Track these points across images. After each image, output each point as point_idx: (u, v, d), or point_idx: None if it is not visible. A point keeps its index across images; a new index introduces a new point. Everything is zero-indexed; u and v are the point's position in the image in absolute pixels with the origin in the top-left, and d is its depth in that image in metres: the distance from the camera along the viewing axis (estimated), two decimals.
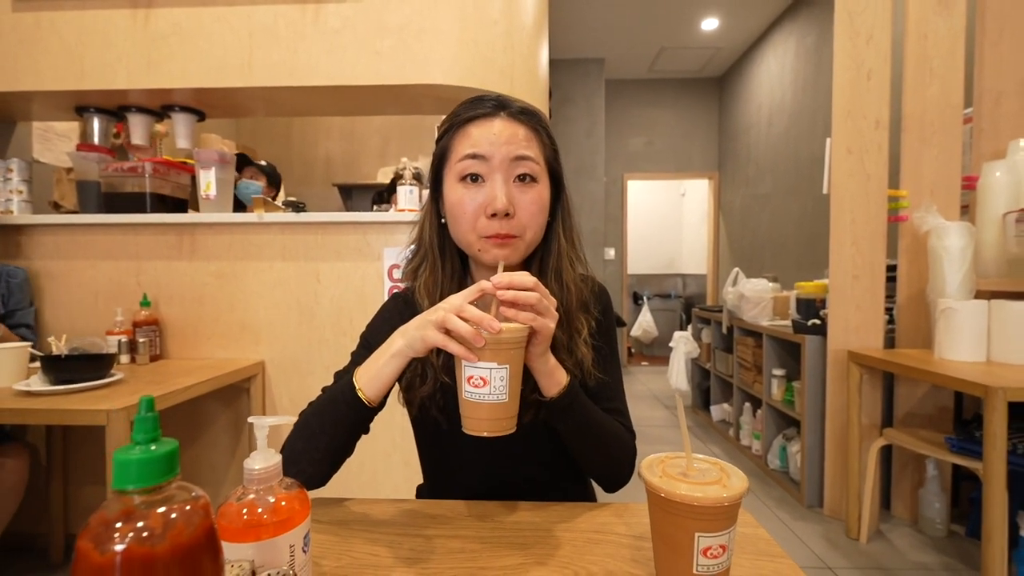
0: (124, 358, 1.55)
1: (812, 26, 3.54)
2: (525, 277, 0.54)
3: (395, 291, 0.75)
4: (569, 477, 0.75)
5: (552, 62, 2.82)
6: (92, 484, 1.72)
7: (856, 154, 1.98)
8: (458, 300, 0.54)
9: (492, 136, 0.61)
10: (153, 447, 0.29)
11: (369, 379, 0.58)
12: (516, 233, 0.62)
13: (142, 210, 1.65)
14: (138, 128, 1.84)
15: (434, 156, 0.67)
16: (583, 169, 4.76)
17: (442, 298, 0.64)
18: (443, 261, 0.68)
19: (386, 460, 1.67)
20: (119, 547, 0.27)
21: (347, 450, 0.62)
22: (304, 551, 0.42)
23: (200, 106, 1.86)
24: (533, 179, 0.63)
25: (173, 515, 0.29)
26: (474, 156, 0.61)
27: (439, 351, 0.63)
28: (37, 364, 1.26)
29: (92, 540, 0.27)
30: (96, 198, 1.69)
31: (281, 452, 0.59)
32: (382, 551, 0.54)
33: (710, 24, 4.11)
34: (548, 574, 0.50)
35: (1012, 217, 1.64)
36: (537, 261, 0.69)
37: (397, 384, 0.67)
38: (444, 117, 0.68)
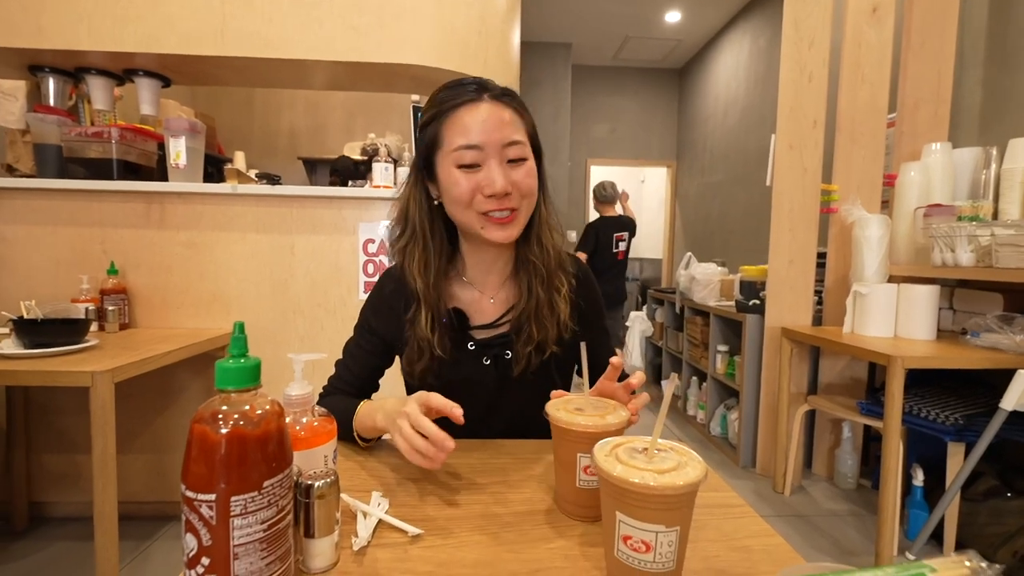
0: (92, 326, 1.55)
1: (765, 27, 3.75)
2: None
3: (387, 268, 0.80)
4: (535, 429, 0.84)
5: (521, 44, 2.87)
6: (54, 452, 1.71)
7: (796, 149, 2.19)
8: (414, 410, 0.58)
9: (481, 123, 0.66)
10: (243, 360, 0.38)
11: (363, 429, 0.70)
12: (515, 206, 0.69)
13: (108, 177, 1.62)
14: (98, 91, 1.78)
15: (422, 142, 0.71)
16: (548, 153, 4.80)
17: (435, 276, 0.73)
18: (432, 240, 0.73)
19: None
20: (224, 430, 0.36)
21: None
22: (333, 461, 0.52)
23: (166, 72, 1.82)
24: (523, 158, 0.69)
25: (259, 411, 0.38)
26: (468, 147, 0.66)
27: (434, 328, 0.73)
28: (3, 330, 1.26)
29: (205, 423, 0.36)
30: (56, 162, 1.64)
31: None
32: (387, 471, 0.65)
33: (673, 16, 4.27)
34: (496, 483, 0.62)
35: (921, 212, 1.88)
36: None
37: (398, 358, 0.80)
38: (426, 101, 0.72)
